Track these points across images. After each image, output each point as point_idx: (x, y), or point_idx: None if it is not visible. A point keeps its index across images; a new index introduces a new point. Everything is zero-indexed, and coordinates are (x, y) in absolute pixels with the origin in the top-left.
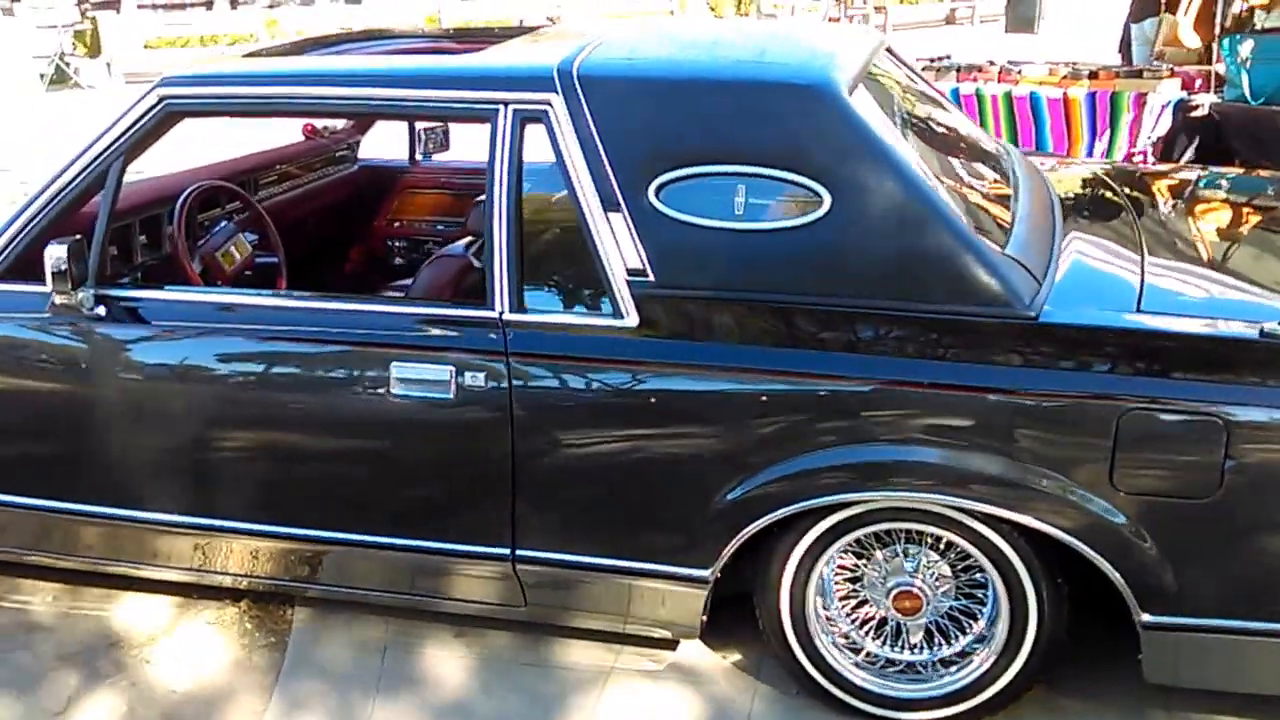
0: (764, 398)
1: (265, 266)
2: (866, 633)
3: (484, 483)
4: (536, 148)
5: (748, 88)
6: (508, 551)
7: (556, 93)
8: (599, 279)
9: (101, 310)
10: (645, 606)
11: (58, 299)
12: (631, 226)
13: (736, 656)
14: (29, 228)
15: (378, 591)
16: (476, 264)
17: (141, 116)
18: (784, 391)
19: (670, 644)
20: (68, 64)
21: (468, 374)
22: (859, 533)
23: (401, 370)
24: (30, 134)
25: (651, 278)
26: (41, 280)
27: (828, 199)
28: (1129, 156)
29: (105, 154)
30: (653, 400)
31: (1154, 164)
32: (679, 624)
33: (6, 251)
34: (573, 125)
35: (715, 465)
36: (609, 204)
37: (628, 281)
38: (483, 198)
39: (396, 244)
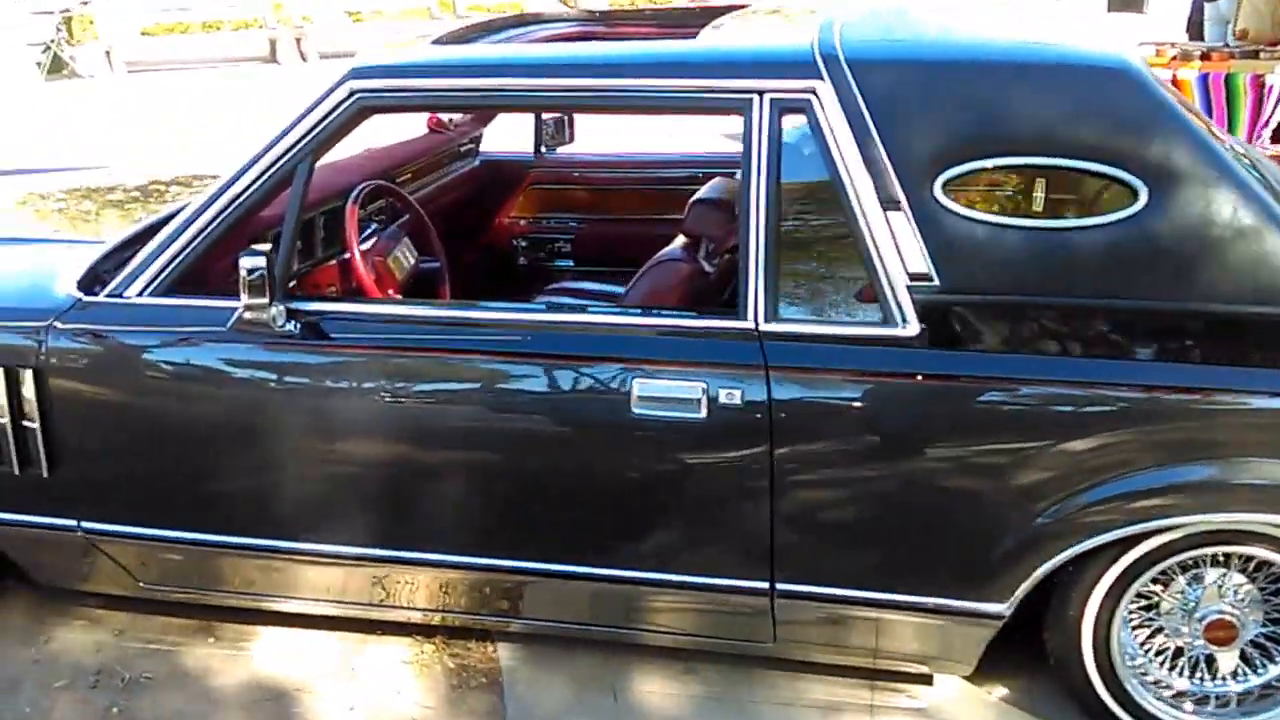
0: (1071, 414)
1: (426, 273)
2: (1169, 667)
3: (738, 509)
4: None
5: (1049, 70)
6: (766, 585)
7: (822, 79)
8: (871, 284)
9: (292, 326)
10: (912, 642)
11: (248, 315)
12: (913, 226)
13: (1002, 691)
14: (201, 237)
15: (598, 626)
16: (708, 268)
17: (331, 111)
18: (1096, 406)
19: (924, 679)
20: (62, 51)
21: (722, 391)
22: (1177, 558)
23: (645, 388)
24: (34, 128)
25: (936, 282)
26: (212, 294)
27: (1145, 192)
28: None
29: (291, 153)
30: (936, 418)
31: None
32: (950, 660)
33: (175, 264)
34: (843, 115)
35: (1014, 491)
36: (887, 202)
37: (908, 286)
38: (700, 194)
39: (521, 243)
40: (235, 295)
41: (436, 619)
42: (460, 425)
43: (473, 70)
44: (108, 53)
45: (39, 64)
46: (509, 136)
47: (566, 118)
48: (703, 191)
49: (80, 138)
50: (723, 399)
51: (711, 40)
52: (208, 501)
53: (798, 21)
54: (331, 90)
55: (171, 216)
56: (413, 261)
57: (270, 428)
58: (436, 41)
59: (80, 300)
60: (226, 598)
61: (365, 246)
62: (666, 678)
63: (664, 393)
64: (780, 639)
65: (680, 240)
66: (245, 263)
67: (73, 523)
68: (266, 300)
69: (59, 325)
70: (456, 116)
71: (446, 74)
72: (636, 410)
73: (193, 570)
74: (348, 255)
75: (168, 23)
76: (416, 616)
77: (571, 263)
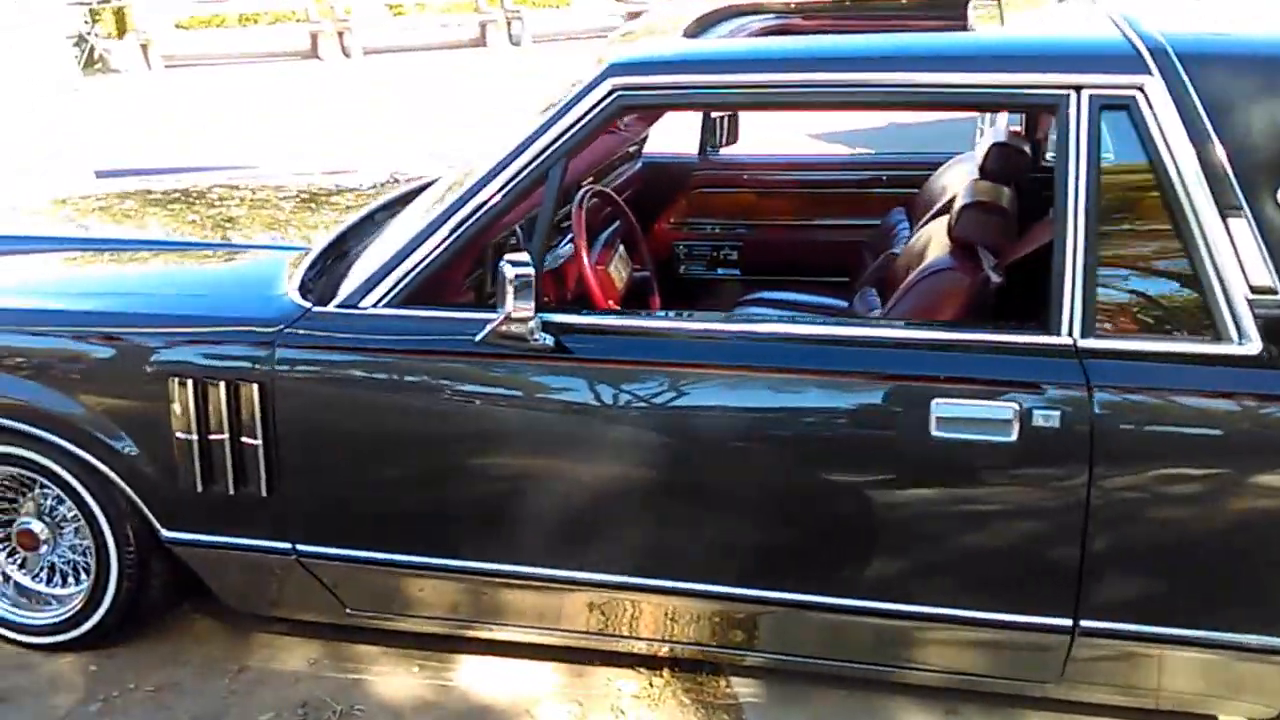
0: None
1: (636, 283)
2: None
3: (1044, 540)
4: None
5: None
6: (1068, 622)
7: (1150, 74)
8: (1204, 297)
9: (548, 340)
10: (1217, 681)
11: (509, 326)
12: (1256, 234)
13: None
14: (444, 246)
15: (853, 662)
16: (995, 278)
17: (589, 111)
18: None
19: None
20: (96, 45)
21: (1037, 413)
22: None
23: (947, 409)
24: (109, 125)
25: None
26: (446, 306)
27: None
28: None
29: (544, 156)
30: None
31: None
32: (1257, 699)
33: (414, 274)
34: (1176, 112)
35: None
36: (1226, 208)
37: (1249, 300)
38: (968, 198)
39: (682, 250)
40: (470, 307)
41: (664, 650)
42: (730, 446)
43: (750, 64)
44: (144, 47)
45: (77, 58)
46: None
47: (733, 117)
48: (969, 195)
49: (167, 135)
50: (1037, 420)
51: (1014, 32)
52: (432, 523)
53: (1061, 14)
54: (590, 89)
55: (367, 219)
56: (629, 271)
57: (510, 446)
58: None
59: (309, 311)
60: (433, 624)
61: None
62: (927, 717)
63: (969, 414)
64: (1067, 678)
65: (938, 248)
66: (512, 270)
67: (287, 545)
68: (532, 310)
69: (287, 338)
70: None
71: (719, 69)
72: (936, 432)
73: (404, 595)
74: (558, 264)
75: (203, 16)
76: (640, 646)
77: (739, 271)
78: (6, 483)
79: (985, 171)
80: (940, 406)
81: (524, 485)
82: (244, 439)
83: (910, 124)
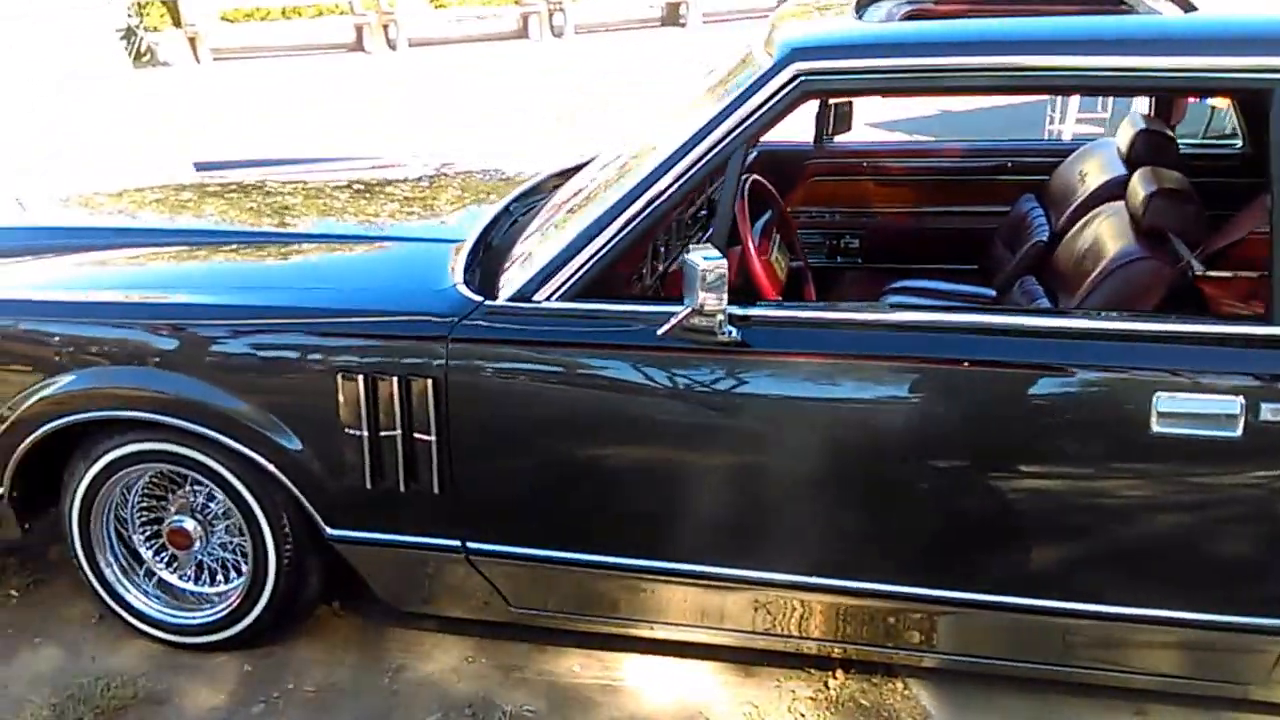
0: None
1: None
2: None
3: (1265, 540)
4: None
5: None
6: None
7: None
8: None
9: (734, 333)
10: None
11: (697, 320)
12: None
13: None
14: (620, 236)
15: (1041, 664)
16: (1197, 268)
17: (771, 97)
18: None
19: None
20: (142, 38)
21: (1264, 407)
22: None
23: (1169, 403)
24: (193, 120)
25: None
26: (626, 299)
27: None
28: None
29: (724, 143)
30: None
31: None
32: None
33: (589, 265)
34: None
35: None
36: None
37: None
38: (1155, 185)
39: (799, 238)
40: (644, 300)
41: (835, 650)
42: (919, 442)
43: (945, 48)
44: (192, 40)
45: (127, 50)
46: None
47: (849, 105)
48: (1152, 183)
49: (232, 127)
50: (1266, 415)
51: (1222, 14)
52: (605, 521)
53: None
54: (771, 74)
55: (508, 208)
56: (786, 261)
57: (688, 441)
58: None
59: (481, 304)
60: (596, 622)
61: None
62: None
63: (1193, 408)
64: (1275, 679)
65: (1118, 237)
66: (705, 263)
67: (456, 543)
68: (723, 303)
69: (462, 332)
70: None
71: (912, 52)
72: (1157, 428)
73: (572, 593)
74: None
75: (248, 8)
76: (809, 647)
77: (860, 260)
78: (155, 480)
79: (1133, 159)
80: (1163, 401)
81: (699, 481)
82: (416, 435)
83: (960, 110)
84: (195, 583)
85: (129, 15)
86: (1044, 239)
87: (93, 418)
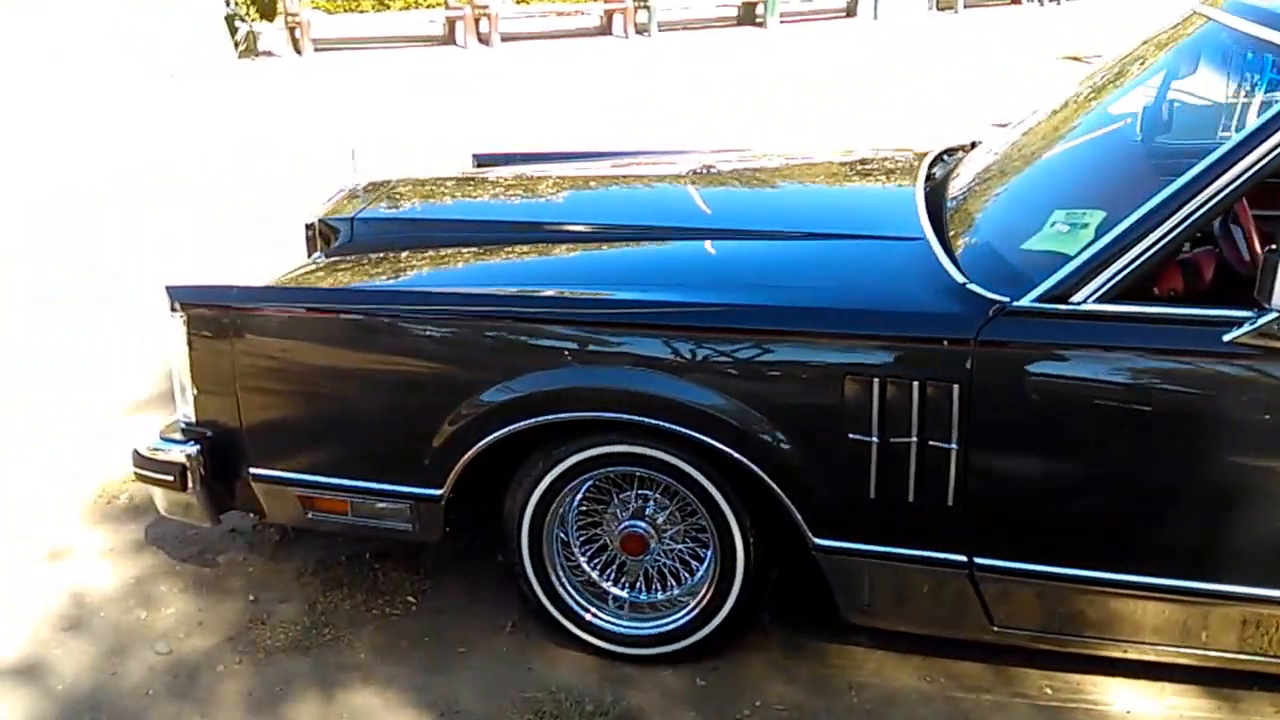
0: None
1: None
2: None
3: None
4: None
5: None
6: None
7: None
8: None
9: None
10: None
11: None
12: None
13: None
14: (1174, 234)
15: None
16: None
17: None
18: None
19: None
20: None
21: None
22: None
23: None
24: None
25: None
26: (1173, 302)
27: None
28: None
29: None
30: None
31: None
32: None
33: (1133, 265)
34: None
35: None
36: None
37: None
38: None
39: None
40: (1192, 302)
41: None
42: None
43: None
44: (293, 30)
45: (235, 42)
46: None
47: None
48: None
49: (383, 117)
50: None
51: None
52: (1132, 537)
53: None
54: None
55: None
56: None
57: (1253, 454)
58: None
59: (1007, 304)
60: (1080, 643)
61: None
62: None
63: None
64: None
65: None
66: None
67: (962, 558)
68: None
69: (989, 333)
70: None
71: None
72: None
73: (1068, 612)
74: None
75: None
76: None
77: None
78: (600, 484)
79: None
80: None
81: (1252, 494)
82: (933, 443)
83: None
84: (646, 592)
85: (228, 4)
86: None
87: (566, 419)
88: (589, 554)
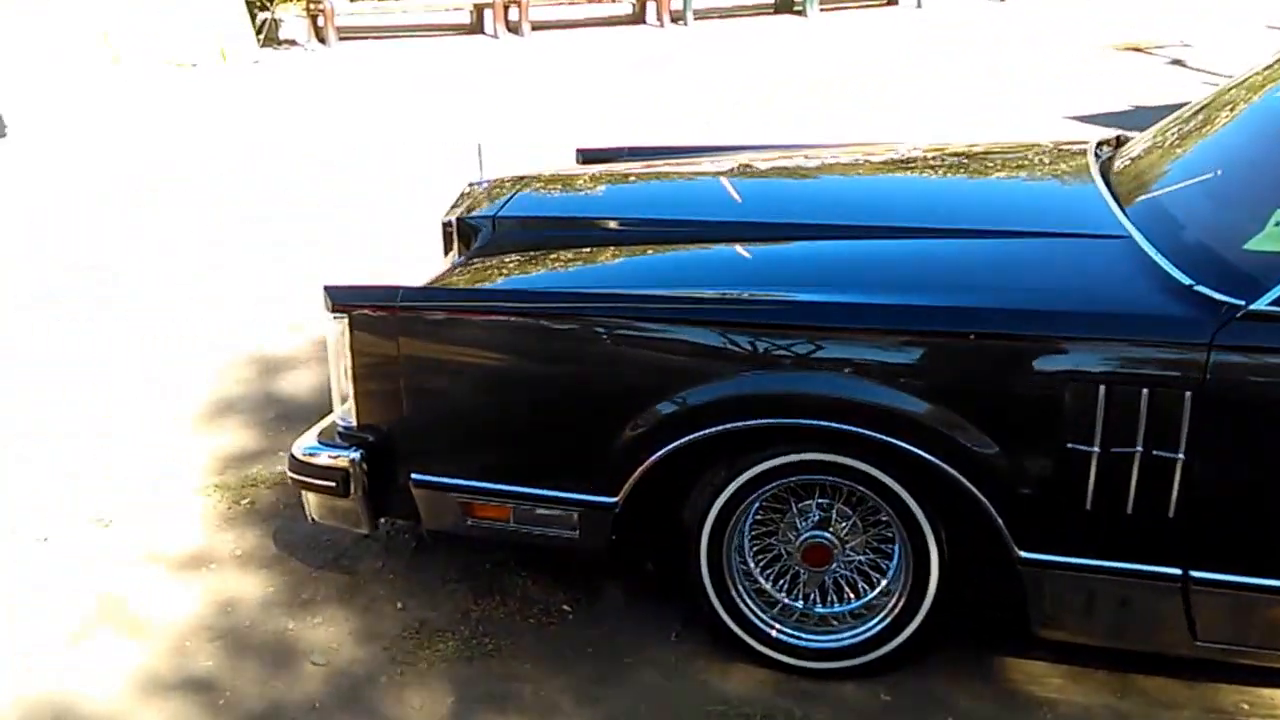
0: None
1: None
2: None
3: None
4: None
5: None
6: None
7: None
8: None
9: None
10: None
11: None
12: None
13: None
14: None
15: None
16: None
17: None
18: None
19: None
20: (272, 17)
21: None
22: None
23: None
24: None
25: None
26: None
27: None
28: None
29: None
30: None
31: None
32: None
33: None
34: None
35: None
36: None
37: None
38: None
39: None
40: None
41: None
42: None
43: None
44: (315, 19)
45: (260, 31)
46: None
47: None
48: None
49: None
50: None
51: None
52: None
53: None
54: None
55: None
56: None
57: None
58: None
59: (1244, 308)
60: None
61: None
62: None
63: None
64: None
65: None
66: None
67: (1177, 571)
68: None
69: (1225, 338)
70: None
71: None
72: None
73: (1264, 624)
74: None
75: None
76: None
77: None
78: (779, 493)
79: None
80: None
81: None
82: (1158, 453)
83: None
84: (822, 604)
85: None
86: None
87: (760, 425)
88: (760, 565)
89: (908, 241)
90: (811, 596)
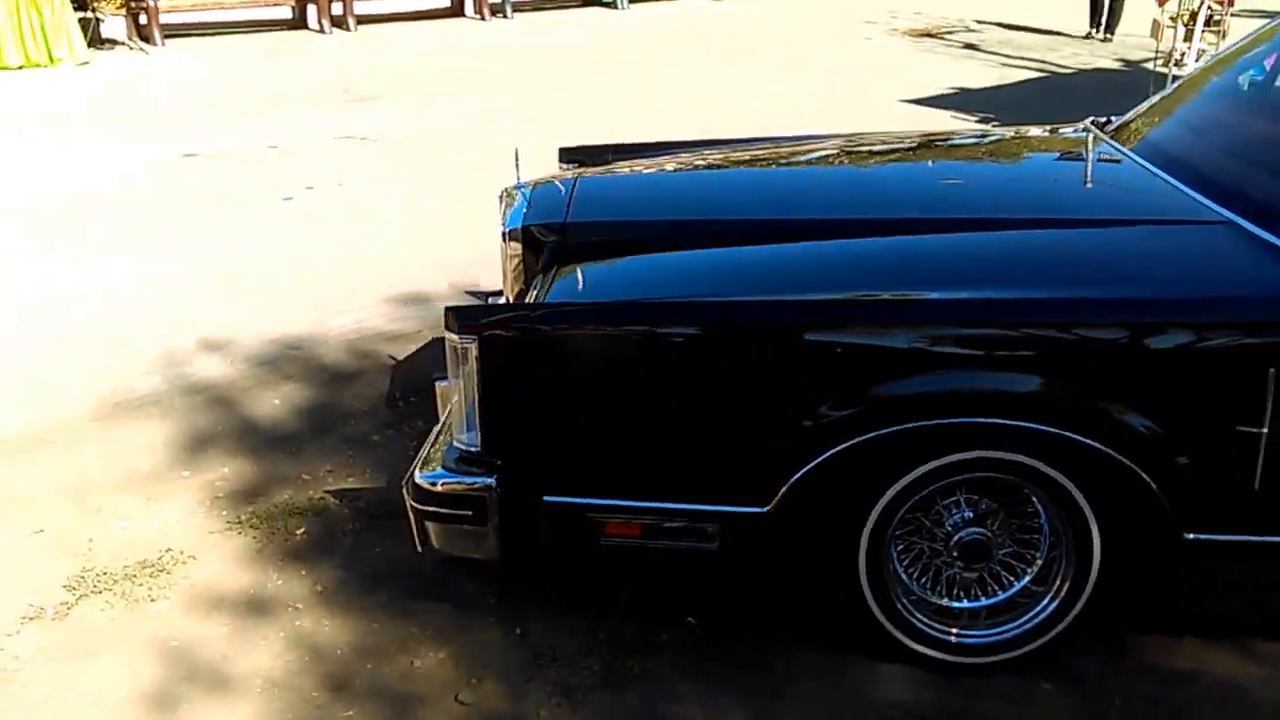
0: None
1: None
2: None
3: None
4: None
5: None
6: None
7: None
8: None
9: None
10: None
11: None
12: None
13: None
14: None
15: None
16: None
17: None
18: None
19: None
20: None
21: None
22: None
23: None
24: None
25: None
26: None
27: None
28: None
29: None
30: None
31: None
32: None
33: None
34: None
35: None
36: None
37: None
38: None
39: None
40: None
41: None
42: None
43: None
44: (136, 17)
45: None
46: None
47: None
48: None
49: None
50: None
51: None
52: None
53: None
54: None
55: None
56: None
57: None
58: None
59: None
60: None
61: None
62: None
63: None
64: None
65: None
66: None
67: None
68: None
69: None
70: None
71: None
72: None
73: None
74: None
75: None
76: None
77: None
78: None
79: None
80: None
81: None
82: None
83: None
84: (968, 598)
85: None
86: None
87: (929, 426)
88: (905, 563)
89: (1033, 233)
90: (973, 591)
